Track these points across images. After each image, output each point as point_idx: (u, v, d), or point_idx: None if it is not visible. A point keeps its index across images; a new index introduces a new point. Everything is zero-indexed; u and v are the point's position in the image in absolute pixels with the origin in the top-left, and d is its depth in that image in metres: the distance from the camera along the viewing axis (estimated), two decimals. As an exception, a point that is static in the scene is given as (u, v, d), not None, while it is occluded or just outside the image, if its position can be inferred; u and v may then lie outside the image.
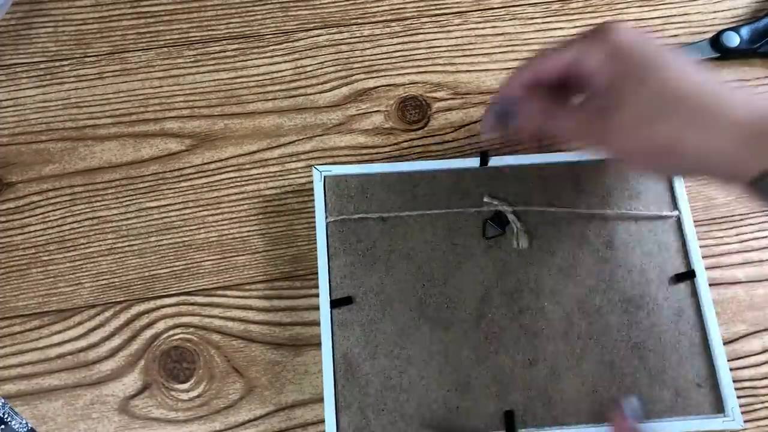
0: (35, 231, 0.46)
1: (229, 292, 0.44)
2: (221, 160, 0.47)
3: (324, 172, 0.44)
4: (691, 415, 0.40)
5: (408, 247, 0.43)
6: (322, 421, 0.41)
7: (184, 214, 0.46)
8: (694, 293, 0.42)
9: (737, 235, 0.46)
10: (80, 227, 0.46)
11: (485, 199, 0.44)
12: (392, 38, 0.50)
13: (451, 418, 0.40)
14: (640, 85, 0.34)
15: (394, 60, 0.50)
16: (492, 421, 0.40)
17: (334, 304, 0.41)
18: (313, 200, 0.44)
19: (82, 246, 0.45)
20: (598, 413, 0.40)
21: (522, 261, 0.43)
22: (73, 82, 0.49)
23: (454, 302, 0.42)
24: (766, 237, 0.46)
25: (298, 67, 0.50)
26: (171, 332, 0.43)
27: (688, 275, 0.42)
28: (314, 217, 0.44)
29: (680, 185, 0.44)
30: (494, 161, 0.44)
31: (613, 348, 0.41)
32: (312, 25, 0.51)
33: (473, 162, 0.44)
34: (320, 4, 0.51)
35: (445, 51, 0.50)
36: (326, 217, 0.43)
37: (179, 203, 0.46)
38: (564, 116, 0.37)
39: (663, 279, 0.42)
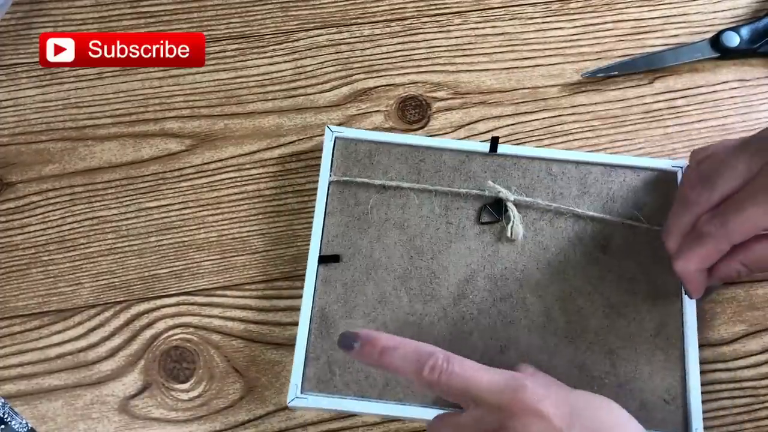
0: (35, 231, 0.46)
1: (229, 292, 0.44)
2: (221, 160, 0.47)
3: (336, 132, 0.45)
4: (652, 430, 0.39)
5: (403, 218, 0.44)
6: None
7: (184, 214, 0.46)
8: (680, 311, 0.42)
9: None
10: (80, 227, 0.46)
11: (488, 184, 0.44)
12: (392, 38, 0.50)
13: (414, 387, 0.40)
14: None
15: (394, 60, 0.50)
16: None
17: (322, 259, 0.42)
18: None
19: (82, 246, 0.45)
20: None
21: (513, 250, 0.43)
22: (73, 82, 0.49)
23: (438, 278, 0.42)
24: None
25: (298, 67, 0.50)
26: (171, 332, 0.43)
27: (678, 291, 0.42)
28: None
29: None
30: (503, 149, 0.45)
31: (587, 350, 0.41)
32: (312, 25, 0.51)
33: (483, 146, 0.45)
34: (320, 4, 0.51)
35: (445, 51, 0.50)
36: (330, 176, 0.44)
37: (179, 203, 0.46)
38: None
39: (651, 291, 0.42)
